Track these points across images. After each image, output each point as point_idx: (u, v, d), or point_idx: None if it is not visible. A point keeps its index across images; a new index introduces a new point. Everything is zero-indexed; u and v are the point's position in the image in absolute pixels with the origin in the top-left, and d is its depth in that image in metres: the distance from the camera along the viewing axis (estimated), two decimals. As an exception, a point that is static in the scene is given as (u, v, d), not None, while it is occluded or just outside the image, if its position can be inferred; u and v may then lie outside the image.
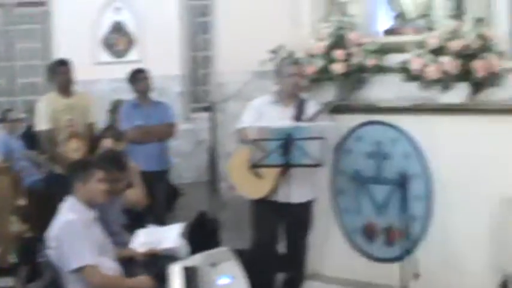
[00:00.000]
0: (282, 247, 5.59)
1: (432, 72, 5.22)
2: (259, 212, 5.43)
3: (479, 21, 5.28)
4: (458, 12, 5.51)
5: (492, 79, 5.16)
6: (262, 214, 5.41)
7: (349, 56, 5.69)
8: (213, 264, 4.56)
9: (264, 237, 5.44)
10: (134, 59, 10.20)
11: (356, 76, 5.71)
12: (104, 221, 4.92)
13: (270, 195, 5.31)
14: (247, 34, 6.19)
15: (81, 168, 4.81)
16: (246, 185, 5.43)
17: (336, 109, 5.59)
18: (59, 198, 4.77)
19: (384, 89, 5.67)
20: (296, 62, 5.52)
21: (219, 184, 6.66)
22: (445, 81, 5.22)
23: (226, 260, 4.69)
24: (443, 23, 5.51)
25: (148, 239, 5.15)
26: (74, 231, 4.50)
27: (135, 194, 5.64)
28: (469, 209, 5.25)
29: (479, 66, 5.11)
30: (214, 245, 5.69)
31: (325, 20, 5.98)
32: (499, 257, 5.11)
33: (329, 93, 5.71)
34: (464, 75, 5.18)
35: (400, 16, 6.15)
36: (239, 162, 5.43)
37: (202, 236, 6.10)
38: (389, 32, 6.16)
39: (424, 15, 5.96)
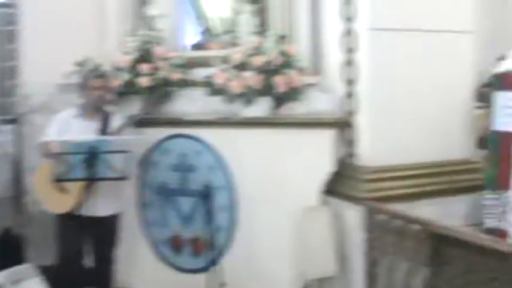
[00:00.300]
0: (89, 261, 5.52)
1: (235, 86, 5.31)
2: (65, 227, 5.32)
3: (281, 38, 5.44)
4: (261, 29, 5.66)
5: (293, 94, 5.30)
6: (67, 229, 5.30)
7: (155, 69, 5.73)
8: (16, 282, 4.48)
9: (70, 252, 5.32)
10: None
11: (162, 90, 5.76)
12: None
13: (75, 210, 5.23)
14: (54, 45, 6.10)
15: None
16: (51, 200, 5.31)
17: (142, 122, 5.61)
18: None
19: (189, 103, 5.73)
20: (101, 75, 5.48)
21: (24, 199, 6.47)
22: (248, 96, 5.33)
23: (30, 277, 4.61)
24: (247, 39, 5.61)
25: None
26: None
27: None
28: (273, 219, 5.39)
29: (280, 81, 5.25)
30: (18, 262, 5.54)
31: (132, 34, 6.00)
32: (301, 265, 5.24)
33: (135, 107, 5.71)
34: (267, 89, 5.30)
35: (207, 31, 6.27)
36: (43, 176, 5.31)
37: (5, 253, 5.91)
38: (196, 46, 6.28)
39: (230, 31, 6.08)
